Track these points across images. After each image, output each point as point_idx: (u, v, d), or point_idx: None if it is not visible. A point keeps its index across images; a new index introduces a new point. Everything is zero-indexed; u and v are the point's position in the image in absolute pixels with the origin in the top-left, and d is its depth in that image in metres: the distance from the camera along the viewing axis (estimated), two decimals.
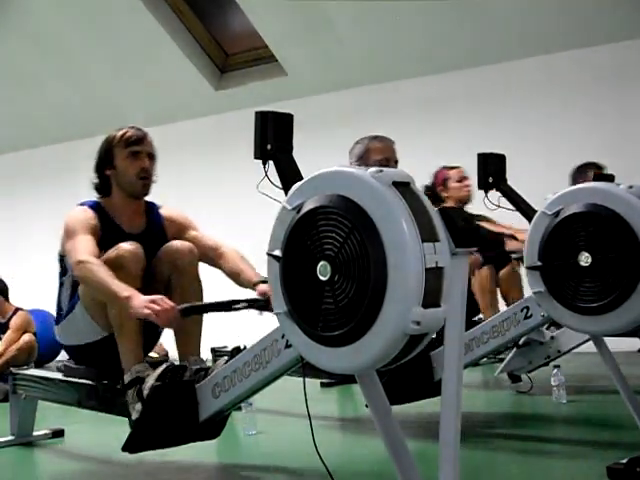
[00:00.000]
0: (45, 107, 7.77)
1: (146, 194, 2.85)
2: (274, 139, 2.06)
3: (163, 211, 2.96)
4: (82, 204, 2.80)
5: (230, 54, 7.41)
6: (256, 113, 2.08)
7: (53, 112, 7.78)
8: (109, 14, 6.95)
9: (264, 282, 2.54)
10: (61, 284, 2.85)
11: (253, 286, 2.63)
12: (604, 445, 2.75)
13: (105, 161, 2.81)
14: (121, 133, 2.80)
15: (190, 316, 2.44)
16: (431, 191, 4.58)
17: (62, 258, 2.82)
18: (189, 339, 2.69)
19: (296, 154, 2.09)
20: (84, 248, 2.57)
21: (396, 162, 3.36)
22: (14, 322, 5.48)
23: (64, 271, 2.83)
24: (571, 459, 2.66)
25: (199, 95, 7.33)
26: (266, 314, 2.40)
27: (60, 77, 7.52)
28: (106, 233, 2.71)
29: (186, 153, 7.57)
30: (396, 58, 6.55)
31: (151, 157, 2.83)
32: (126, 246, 2.59)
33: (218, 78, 7.42)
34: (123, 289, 2.38)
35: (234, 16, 7.08)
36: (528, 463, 2.65)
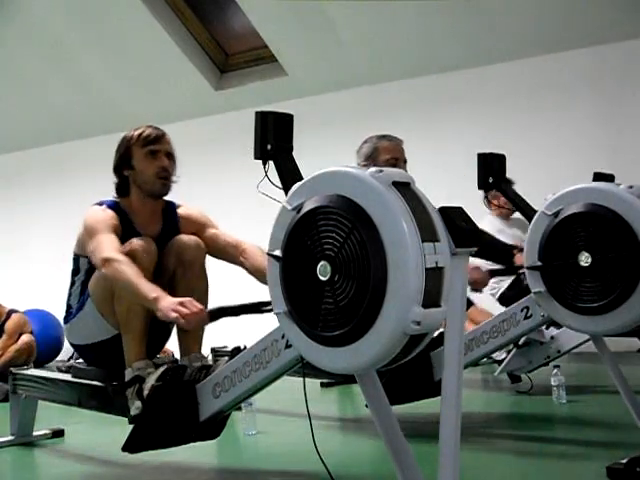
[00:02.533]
0: (45, 107, 7.77)
1: (165, 194, 2.77)
2: (274, 139, 2.06)
3: (181, 211, 2.87)
4: (100, 203, 2.73)
5: (230, 54, 7.40)
6: (256, 113, 2.08)
7: (53, 112, 7.77)
8: (109, 14, 6.94)
9: None
10: (72, 283, 2.80)
11: None
12: (604, 445, 2.75)
13: (123, 161, 2.74)
14: (139, 132, 2.74)
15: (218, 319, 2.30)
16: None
17: (77, 257, 2.77)
18: (192, 335, 2.64)
19: (296, 154, 2.09)
20: (109, 246, 2.50)
21: (405, 162, 3.33)
22: (8, 327, 5.46)
23: (77, 270, 2.78)
24: (571, 459, 2.66)
25: (199, 95, 7.32)
26: None
27: (60, 77, 7.51)
28: (123, 233, 2.64)
29: (186, 153, 7.50)
30: (396, 58, 6.55)
31: (170, 156, 2.78)
32: (138, 241, 2.57)
33: (218, 78, 7.41)
34: (151, 290, 2.31)
35: (234, 16, 7.07)
36: (528, 463, 2.65)
